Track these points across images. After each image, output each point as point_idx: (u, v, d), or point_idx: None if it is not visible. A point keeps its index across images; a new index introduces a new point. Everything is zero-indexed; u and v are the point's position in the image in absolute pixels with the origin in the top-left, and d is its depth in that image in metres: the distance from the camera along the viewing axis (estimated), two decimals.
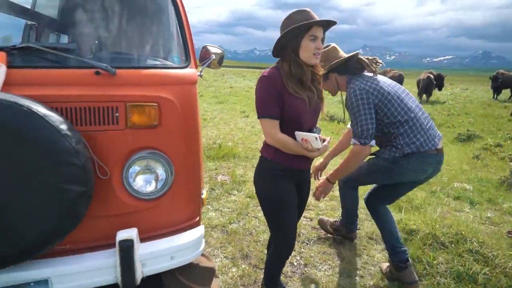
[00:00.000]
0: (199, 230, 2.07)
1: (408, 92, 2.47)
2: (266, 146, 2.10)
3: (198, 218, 2.15)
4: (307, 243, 3.15)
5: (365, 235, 3.31)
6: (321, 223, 3.36)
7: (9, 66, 1.59)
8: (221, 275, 2.64)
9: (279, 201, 2.08)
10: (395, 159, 2.34)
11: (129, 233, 1.76)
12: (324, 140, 1.93)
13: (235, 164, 5.30)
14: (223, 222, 3.46)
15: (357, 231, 3.23)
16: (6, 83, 1.54)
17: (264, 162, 2.11)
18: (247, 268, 2.74)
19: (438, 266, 2.71)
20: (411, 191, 2.79)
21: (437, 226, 3.18)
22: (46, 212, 1.54)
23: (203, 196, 2.30)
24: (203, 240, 2.11)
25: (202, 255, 2.48)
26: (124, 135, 1.79)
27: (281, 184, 2.06)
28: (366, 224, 3.52)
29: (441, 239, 3.02)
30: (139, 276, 1.80)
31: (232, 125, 8.46)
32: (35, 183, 1.50)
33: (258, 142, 6.71)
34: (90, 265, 1.76)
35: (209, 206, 3.81)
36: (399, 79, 15.95)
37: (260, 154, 2.15)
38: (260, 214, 3.67)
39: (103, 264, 1.77)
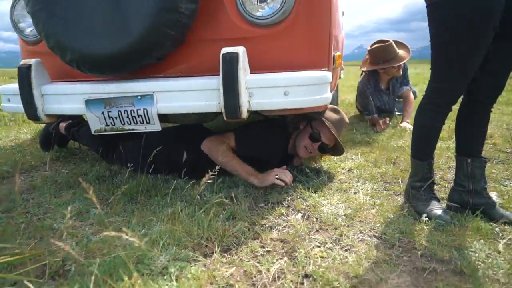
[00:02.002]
0: (325, 73, 1.63)
1: None
2: None
3: (326, 69, 1.70)
4: None
5: None
6: None
7: None
8: (356, 171, 2.10)
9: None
10: None
11: (235, 49, 1.49)
12: None
13: None
14: (368, 140, 2.86)
15: None
16: None
17: None
18: (392, 169, 2.11)
19: None
20: None
21: None
22: (150, 5, 1.41)
23: (336, 54, 1.84)
24: (329, 89, 1.65)
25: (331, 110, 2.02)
26: None
27: None
28: None
29: None
30: (244, 105, 1.51)
31: None
32: None
33: None
34: (194, 84, 1.56)
35: (353, 131, 3.25)
36: None
37: None
38: None
39: (207, 84, 1.54)
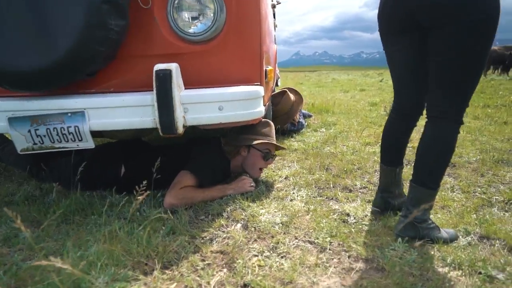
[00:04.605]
0: (257, 88, 1.71)
1: None
2: None
3: (258, 83, 1.78)
4: None
5: None
6: None
7: None
8: (292, 178, 2.22)
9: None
10: None
11: (168, 65, 1.50)
12: None
13: (328, 116, 4.80)
14: (305, 147, 3.02)
15: None
16: None
17: None
18: (325, 175, 2.26)
19: None
20: None
21: None
22: (78, 22, 1.37)
23: (268, 69, 1.94)
24: (262, 103, 1.73)
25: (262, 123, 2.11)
26: None
27: None
28: None
29: None
30: (180, 120, 1.53)
31: (330, 97, 7.90)
32: None
33: (356, 106, 6.05)
34: (127, 100, 1.54)
35: (291, 138, 3.41)
36: None
37: None
38: (351, 143, 3.12)
39: (141, 100, 1.54)
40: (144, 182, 1.45)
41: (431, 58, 1.34)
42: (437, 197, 1.85)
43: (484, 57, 1.27)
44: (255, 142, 2.04)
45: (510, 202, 1.83)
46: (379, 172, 1.75)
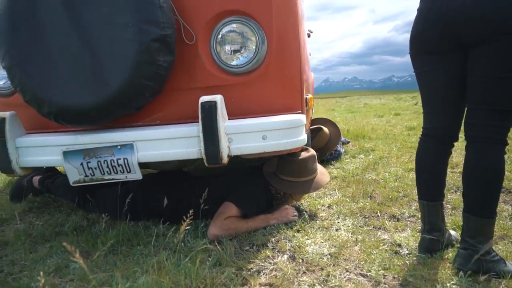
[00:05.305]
0: (299, 116, 1.71)
1: None
2: None
3: (299, 112, 1.78)
4: None
5: None
6: None
7: None
8: (335, 207, 2.15)
9: None
10: None
11: (213, 97, 1.54)
12: None
13: (365, 141, 4.70)
14: (345, 175, 2.95)
15: None
16: None
17: None
18: (370, 203, 2.18)
19: None
20: None
21: None
22: (129, 59, 1.45)
23: (308, 97, 1.94)
24: (304, 131, 1.73)
25: (303, 150, 2.07)
26: None
27: None
28: None
29: None
30: (224, 150, 1.55)
31: (364, 122, 7.77)
32: (117, 24, 1.45)
33: (393, 130, 5.90)
34: (174, 132, 1.59)
35: (330, 166, 3.35)
36: None
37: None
38: (392, 169, 3.01)
39: (187, 132, 1.58)
40: (191, 211, 1.46)
41: (473, 76, 1.29)
42: (495, 226, 1.72)
43: None
44: (298, 192, 2.09)
45: None
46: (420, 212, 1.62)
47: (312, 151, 2.10)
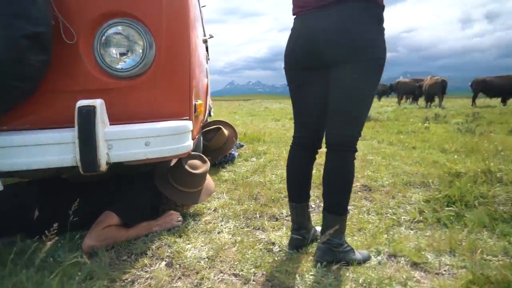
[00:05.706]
0: (185, 122, 1.73)
1: None
2: None
3: (187, 118, 1.81)
4: None
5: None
6: None
7: None
8: (220, 210, 2.24)
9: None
10: None
11: (92, 101, 1.47)
12: None
13: (259, 145, 4.95)
14: (234, 178, 3.08)
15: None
16: None
17: None
18: (253, 204, 2.32)
19: (495, 197, 2.13)
20: None
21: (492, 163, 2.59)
22: None
23: (197, 103, 1.98)
24: (190, 137, 1.76)
25: (194, 157, 2.12)
26: None
27: None
28: None
29: (498, 175, 2.43)
30: (103, 157, 1.48)
31: (262, 126, 8.16)
32: None
33: (286, 134, 6.32)
34: (43, 138, 1.47)
35: (222, 169, 3.45)
36: (442, 85, 15.21)
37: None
38: (279, 171, 3.25)
39: (59, 138, 1.47)
40: (55, 225, 1.37)
41: (333, 91, 1.50)
42: (354, 219, 2.01)
43: (375, 92, 1.49)
44: (189, 203, 2.14)
45: (415, 221, 2.04)
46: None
47: (208, 163, 2.16)
